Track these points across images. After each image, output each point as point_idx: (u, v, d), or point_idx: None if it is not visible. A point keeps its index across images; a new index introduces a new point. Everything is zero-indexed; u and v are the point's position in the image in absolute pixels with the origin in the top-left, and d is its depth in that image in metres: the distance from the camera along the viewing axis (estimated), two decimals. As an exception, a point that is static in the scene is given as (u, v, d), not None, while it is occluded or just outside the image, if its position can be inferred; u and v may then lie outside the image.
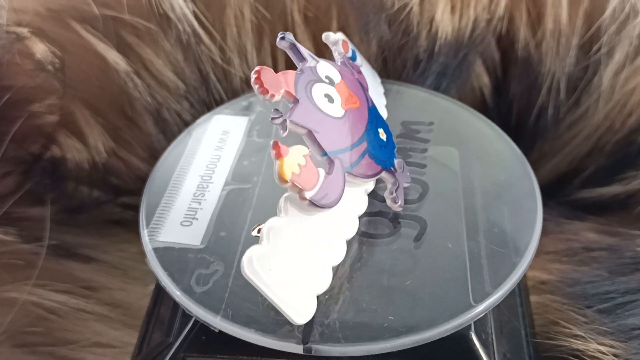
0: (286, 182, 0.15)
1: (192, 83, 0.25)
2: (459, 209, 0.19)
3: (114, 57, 0.24)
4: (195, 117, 0.25)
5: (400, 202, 0.18)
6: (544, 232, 0.19)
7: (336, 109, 0.17)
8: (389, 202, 0.18)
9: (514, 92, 0.27)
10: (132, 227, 0.26)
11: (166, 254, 0.18)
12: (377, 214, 0.19)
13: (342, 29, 0.25)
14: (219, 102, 0.26)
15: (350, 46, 0.20)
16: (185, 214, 0.19)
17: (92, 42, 0.23)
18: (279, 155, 0.15)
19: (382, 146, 0.18)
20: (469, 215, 0.18)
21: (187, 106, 0.25)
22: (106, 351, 0.22)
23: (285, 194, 0.16)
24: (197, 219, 0.19)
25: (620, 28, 0.25)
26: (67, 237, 0.24)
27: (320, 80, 0.17)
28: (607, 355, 0.19)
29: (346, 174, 0.16)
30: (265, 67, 0.16)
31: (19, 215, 0.23)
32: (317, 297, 0.16)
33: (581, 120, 0.27)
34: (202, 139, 0.22)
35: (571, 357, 0.19)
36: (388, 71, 0.26)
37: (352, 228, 0.17)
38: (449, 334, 0.16)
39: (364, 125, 0.18)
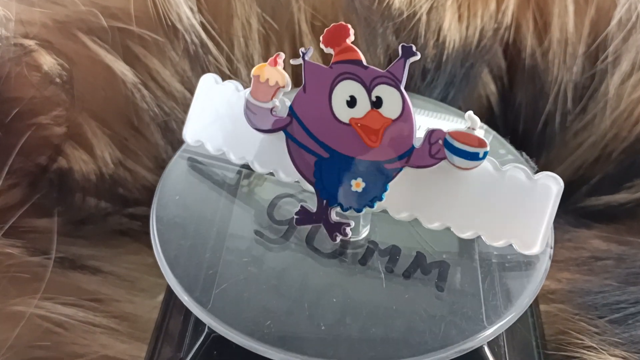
0: (252, 73, 0.17)
1: (199, 93, 0.25)
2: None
3: (121, 68, 0.24)
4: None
5: (297, 218, 0.18)
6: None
7: (342, 113, 0.16)
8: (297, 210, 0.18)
9: (520, 100, 0.27)
10: (138, 237, 0.26)
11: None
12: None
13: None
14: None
15: (483, 150, 0.16)
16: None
17: (99, 54, 0.23)
18: (269, 62, 0.17)
19: (340, 185, 0.17)
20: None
21: (193, 116, 0.25)
22: (114, 364, 0.22)
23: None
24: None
25: (626, 37, 0.25)
26: (74, 249, 0.24)
27: (365, 86, 0.16)
28: (620, 366, 0.19)
29: (287, 140, 0.17)
30: (349, 29, 0.16)
31: (25, 227, 0.23)
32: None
33: (588, 128, 0.27)
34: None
35: (583, 369, 0.19)
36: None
37: (256, 160, 0.19)
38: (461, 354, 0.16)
39: (347, 153, 0.16)
